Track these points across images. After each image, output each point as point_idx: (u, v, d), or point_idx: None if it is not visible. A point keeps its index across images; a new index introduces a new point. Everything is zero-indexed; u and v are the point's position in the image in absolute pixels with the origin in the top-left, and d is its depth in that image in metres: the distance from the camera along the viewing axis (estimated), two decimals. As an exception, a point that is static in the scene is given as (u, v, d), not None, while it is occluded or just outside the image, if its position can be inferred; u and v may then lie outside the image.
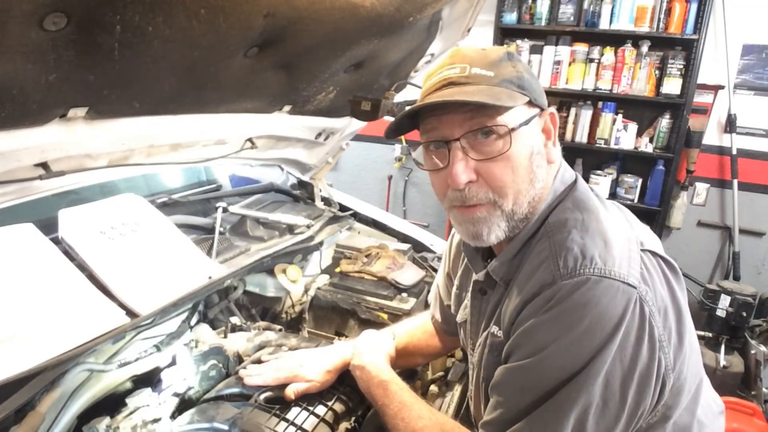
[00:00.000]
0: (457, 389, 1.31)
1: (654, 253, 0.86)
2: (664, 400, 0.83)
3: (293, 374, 1.16)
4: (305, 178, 2.25)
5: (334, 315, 1.63)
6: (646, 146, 3.63)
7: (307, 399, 1.13)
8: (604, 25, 3.50)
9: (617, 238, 0.83)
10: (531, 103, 0.89)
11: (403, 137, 4.30)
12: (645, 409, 0.80)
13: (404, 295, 1.65)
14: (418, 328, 1.36)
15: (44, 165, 1.12)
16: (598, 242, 0.82)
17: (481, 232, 0.90)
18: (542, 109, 0.92)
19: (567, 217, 0.87)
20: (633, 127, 3.62)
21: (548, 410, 0.78)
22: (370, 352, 1.17)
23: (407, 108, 0.90)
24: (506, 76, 0.87)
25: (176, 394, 1.16)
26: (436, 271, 1.85)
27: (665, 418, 0.85)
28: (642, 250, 0.85)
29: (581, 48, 3.61)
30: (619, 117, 3.63)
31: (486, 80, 0.86)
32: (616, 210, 0.95)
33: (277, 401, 1.11)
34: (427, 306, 1.79)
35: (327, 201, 2.22)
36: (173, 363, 1.21)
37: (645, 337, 0.77)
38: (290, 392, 1.12)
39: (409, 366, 1.38)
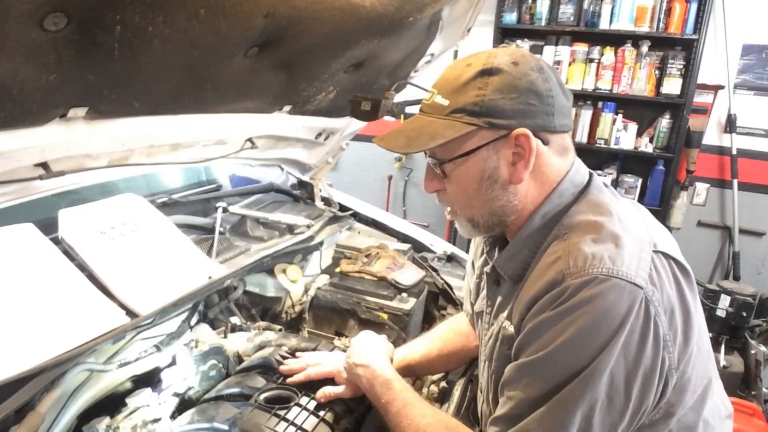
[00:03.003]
0: (458, 389, 1.31)
1: (666, 255, 0.87)
2: (667, 398, 0.84)
3: (336, 371, 1.20)
4: (305, 178, 2.25)
5: (334, 315, 1.63)
6: (646, 146, 3.63)
7: (307, 399, 1.13)
8: (604, 25, 3.50)
9: (629, 239, 0.85)
10: (494, 126, 0.88)
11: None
12: (648, 406, 0.82)
13: (404, 295, 1.64)
14: (449, 330, 1.36)
15: (44, 165, 1.12)
16: (609, 243, 0.83)
17: (461, 230, 1.03)
18: (511, 130, 0.89)
19: (581, 220, 0.89)
20: (633, 127, 3.62)
21: (556, 406, 0.79)
22: (373, 351, 1.18)
23: (376, 138, 0.98)
24: (460, 104, 0.89)
25: (176, 394, 1.16)
26: (436, 271, 1.85)
27: (668, 415, 0.87)
28: (654, 251, 0.86)
29: (581, 48, 3.61)
30: (619, 117, 3.63)
31: (439, 111, 0.92)
32: (632, 210, 0.96)
33: (277, 401, 1.11)
34: (427, 305, 1.80)
35: (327, 201, 2.22)
36: (173, 363, 1.21)
37: (649, 336, 0.79)
38: (321, 395, 1.15)
39: (446, 370, 1.41)
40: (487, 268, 1.05)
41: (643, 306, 0.79)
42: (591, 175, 0.98)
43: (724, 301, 3.04)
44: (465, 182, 0.93)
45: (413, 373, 1.38)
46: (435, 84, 0.96)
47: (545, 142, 0.91)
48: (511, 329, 0.93)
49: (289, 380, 1.19)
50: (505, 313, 0.97)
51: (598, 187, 0.96)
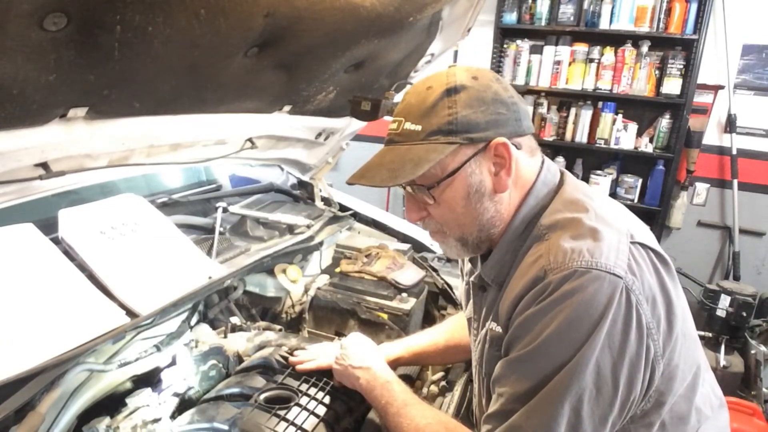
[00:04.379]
0: (457, 389, 1.31)
1: (643, 245, 0.89)
2: (656, 386, 0.85)
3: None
4: (305, 178, 2.25)
5: (334, 315, 1.63)
6: (646, 146, 3.63)
7: (307, 399, 1.13)
8: (604, 25, 3.50)
9: (606, 232, 0.86)
10: (472, 141, 0.89)
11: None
12: (636, 395, 0.83)
13: (404, 295, 1.64)
14: (455, 324, 1.38)
15: (44, 165, 1.12)
16: (587, 238, 0.85)
17: (447, 251, 1.03)
18: (489, 142, 0.90)
19: (558, 219, 0.91)
20: (633, 127, 3.62)
21: (544, 399, 0.80)
22: (370, 354, 1.19)
23: (349, 178, 0.97)
24: (434, 126, 0.89)
25: (176, 394, 1.16)
26: (436, 271, 1.85)
27: (659, 404, 0.88)
28: (632, 242, 0.88)
29: (581, 48, 3.61)
30: (619, 117, 3.63)
31: (413, 136, 0.91)
32: (607, 204, 0.97)
33: (277, 401, 1.11)
34: (427, 305, 1.80)
35: (327, 201, 2.22)
36: (173, 363, 1.21)
37: (633, 325, 0.80)
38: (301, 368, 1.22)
39: (453, 361, 1.44)
40: (473, 277, 1.06)
41: (624, 295, 0.80)
42: (563, 173, 1.00)
43: (724, 301, 3.04)
44: (453, 202, 0.93)
45: (421, 361, 1.40)
46: (398, 112, 0.94)
47: (518, 147, 0.93)
48: (498, 330, 0.94)
49: (299, 368, 1.22)
50: (492, 316, 0.98)
51: (573, 184, 0.98)
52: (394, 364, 1.28)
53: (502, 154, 0.90)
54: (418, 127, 0.90)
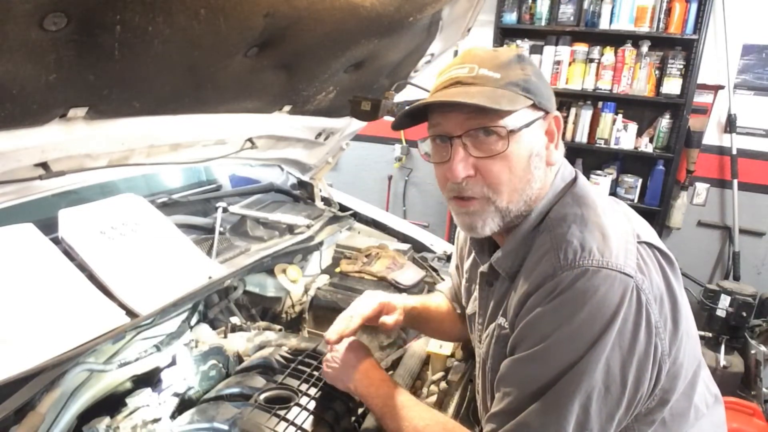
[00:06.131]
0: (457, 389, 1.31)
1: (650, 245, 0.89)
2: (661, 384, 0.86)
3: (385, 303, 1.21)
4: (305, 178, 2.25)
5: (334, 315, 1.61)
6: (646, 146, 3.63)
7: (307, 399, 1.13)
8: (604, 25, 3.50)
9: (615, 231, 0.87)
10: (535, 106, 0.91)
11: (402, 137, 4.32)
12: (643, 393, 0.83)
13: (404, 295, 1.64)
14: (444, 303, 1.38)
15: (44, 165, 1.12)
16: (597, 235, 0.85)
17: (475, 224, 0.94)
18: (547, 112, 0.94)
19: (567, 212, 0.91)
20: (633, 127, 3.62)
21: (553, 397, 0.80)
22: (363, 354, 1.16)
23: (414, 104, 0.93)
24: (512, 79, 0.89)
25: (176, 394, 1.16)
26: (436, 271, 1.85)
27: (663, 402, 0.88)
28: (639, 242, 0.88)
29: (581, 48, 3.61)
30: (619, 117, 3.63)
31: (492, 82, 0.89)
32: (614, 205, 0.98)
33: (277, 401, 1.11)
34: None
35: (327, 201, 2.22)
36: (173, 363, 1.21)
37: (642, 324, 0.80)
38: (389, 321, 1.18)
39: (448, 337, 1.40)
40: (483, 268, 1.04)
41: (634, 294, 0.80)
42: (576, 172, 1.02)
43: (724, 301, 3.04)
44: (519, 157, 0.90)
45: (426, 321, 1.33)
46: (466, 60, 0.92)
47: None
48: (506, 326, 0.94)
49: (327, 337, 1.15)
50: (501, 312, 0.97)
51: (584, 182, 0.99)
52: (411, 313, 1.26)
53: (555, 129, 0.94)
54: (497, 75, 0.89)
